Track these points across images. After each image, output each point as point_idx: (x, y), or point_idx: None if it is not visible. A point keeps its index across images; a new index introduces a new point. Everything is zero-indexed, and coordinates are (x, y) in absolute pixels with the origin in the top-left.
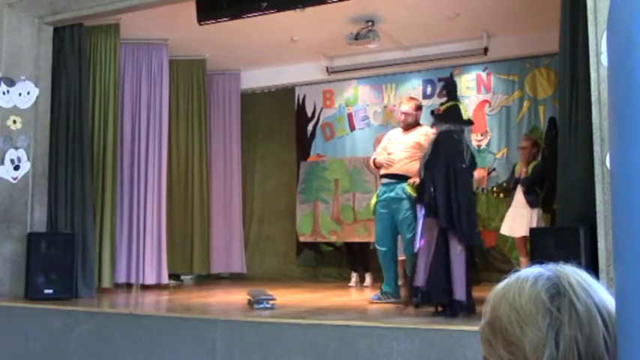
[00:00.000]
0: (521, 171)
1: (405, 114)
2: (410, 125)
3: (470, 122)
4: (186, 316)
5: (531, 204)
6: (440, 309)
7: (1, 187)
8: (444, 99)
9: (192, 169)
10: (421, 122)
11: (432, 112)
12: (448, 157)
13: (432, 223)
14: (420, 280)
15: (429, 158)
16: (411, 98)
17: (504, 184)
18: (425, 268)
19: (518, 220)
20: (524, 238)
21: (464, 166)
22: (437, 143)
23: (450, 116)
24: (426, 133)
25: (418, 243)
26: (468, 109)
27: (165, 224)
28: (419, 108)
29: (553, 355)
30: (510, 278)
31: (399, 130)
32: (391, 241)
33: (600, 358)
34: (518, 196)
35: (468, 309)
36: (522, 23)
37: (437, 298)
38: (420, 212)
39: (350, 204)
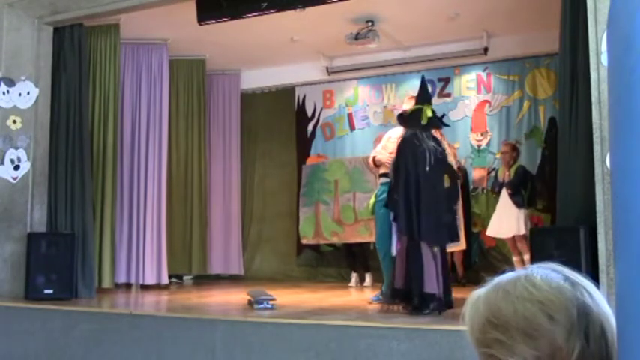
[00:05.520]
0: (504, 175)
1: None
2: None
3: (427, 127)
4: (186, 316)
5: (518, 205)
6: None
7: (1, 187)
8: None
9: (191, 168)
10: None
11: (399, 115)
12: (409, 163)
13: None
14: (398, 282)
15: (395, 164)
16: (413, 97)
17: (488, 189)
18: (401, 269)
19: (506, 221)
20: (514, 238)
21: (427, 169)
22: (400, 149)
23: (411, 121)
24: None
25: (395, 247)
26: (468, 109)
27: (165, 224)
28: None
29: (583, 344)
30: (495, 283)
31: (400, 129)
32: (391, 241)
33: None
34: (504, 198)
35: (443, 305)
36: (522, 23)
37: (411, 296)
38: (391, 216)
39: (350, 204)
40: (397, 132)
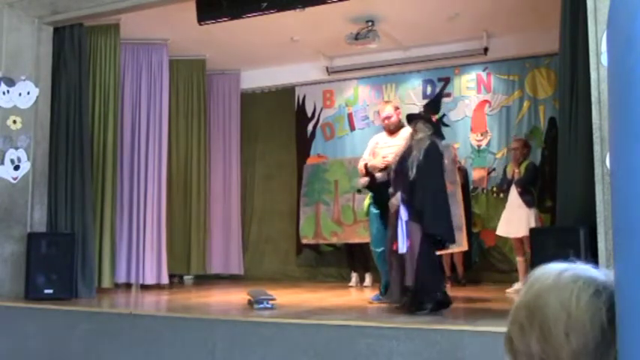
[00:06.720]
0: (514, 172)
1: (388, 118)
2: (396, 127)
3: (443, 137)
4: (186, 316)
5: (528, 204)
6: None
7: (1, 187)
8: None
9: (191, 168)
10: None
11: (427, 118)
12: (436, 167)
13: (414, 226)
14: (409, 279)
15: (421, 165)
16: (386, 101)
17: (496, 187)
18: (412, 269)
19: (516, 220)
20: (521, 238)
21: (445, 173)
22: (428, 152)
23: (437, 129)
24: None
25: (405, 245)
26: (468, 109)
27: (165, 224)
28: (397, 108)
29: None
30: (566, 269)
31: (384, 134)
32: (386, 242)
33: None
34: (513, 197)
35: (441, 304)
36: (522, 23)
37: (425, 296)
38: (405, 213)
39: (350, 204)
40: (382, 137)
